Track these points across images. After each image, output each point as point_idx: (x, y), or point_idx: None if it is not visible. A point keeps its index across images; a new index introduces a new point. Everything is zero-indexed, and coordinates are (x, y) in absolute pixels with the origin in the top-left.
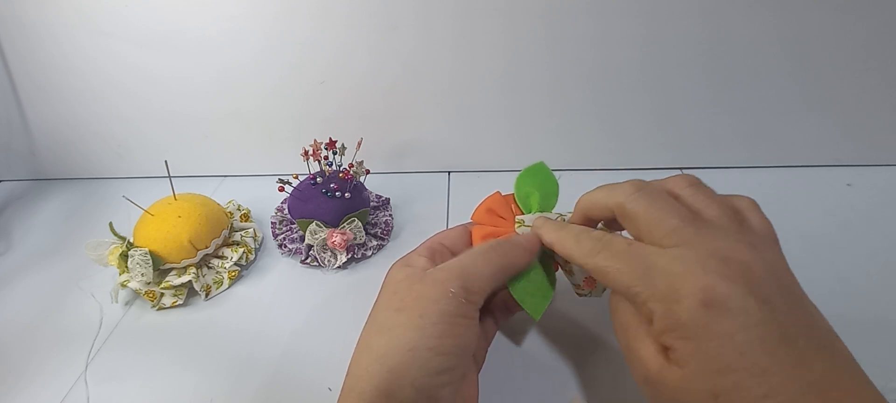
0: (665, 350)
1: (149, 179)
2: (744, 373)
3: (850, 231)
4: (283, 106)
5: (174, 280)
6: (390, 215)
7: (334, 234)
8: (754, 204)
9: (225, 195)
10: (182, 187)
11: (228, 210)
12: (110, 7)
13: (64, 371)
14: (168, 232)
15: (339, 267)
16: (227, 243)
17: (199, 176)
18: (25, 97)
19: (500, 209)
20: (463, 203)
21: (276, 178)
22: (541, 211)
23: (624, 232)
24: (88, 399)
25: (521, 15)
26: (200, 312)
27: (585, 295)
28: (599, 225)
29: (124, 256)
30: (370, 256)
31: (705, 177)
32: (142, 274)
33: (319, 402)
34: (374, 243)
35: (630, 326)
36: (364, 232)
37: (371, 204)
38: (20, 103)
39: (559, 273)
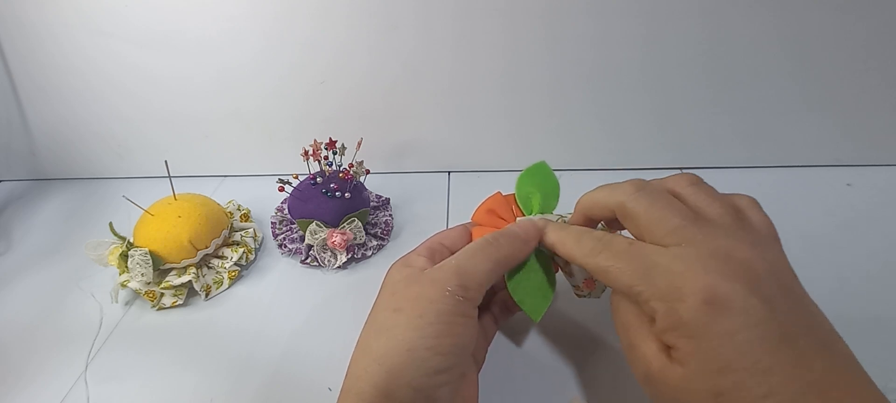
0: (667, 348)
1: (149, 179)
2: (745, 372)
3: (850, 231)
4: (283, 106)
5: (174, 280)
6: (390, 215)
7: (334, 234)
8: (755, 203)
9: (225, 195)
10: (182, 187)
11: (228, 210)
12: (110, 7)
13: (64, 371)
14: (168, 232)
15: (339, 267)
16: (227, 243)
17: (199, 176)
18: (25, 97)
19: (501, 209)
20: (463, 203)
21: (276, 178)
22: (541, 213)
23: (624, 232)
24: (88, 399)
25: (521, 15)
26: (200, 312)
27: (585, 297)
28: (600, 225)
29: (124, 256)
30: (370, 256)
31: (705, 176)
32: (142, 274)
33: (319, 402)
34: (374, 243)
35: (632, 325)
36: (364, 232)
37: (371, 204)
38: (20, 103)
39: (559, 275)
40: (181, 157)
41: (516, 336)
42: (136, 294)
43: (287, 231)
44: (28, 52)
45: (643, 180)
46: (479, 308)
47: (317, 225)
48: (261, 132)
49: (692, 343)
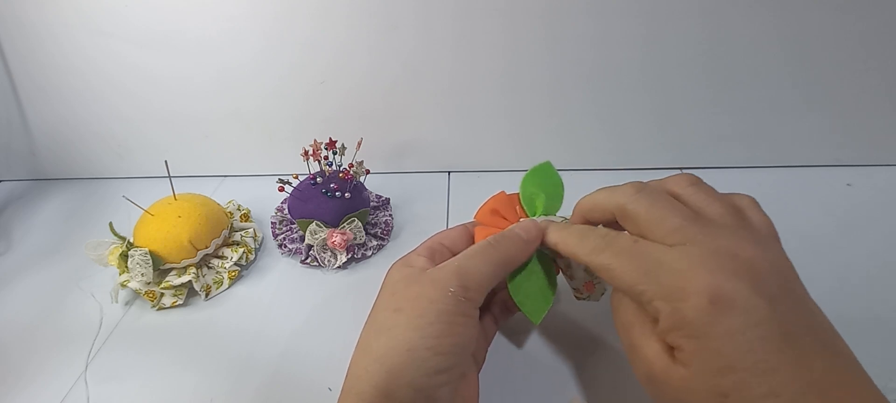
0: (670, 349)
1: (149, 179)
2: (748, 371)
3: (850, 231)
4: (283, 106)
5: (174, 280)
6: (390, 215)
7: (334, 234)
8: (755, 203)
9: (225, 195)
10: (182, 187)
11: (228, 210)
12: (110, 7)
13: (64, 371)
14: (168, 232)
15: (339, 267)
16: (227, 243)
17: (199, 176)
18: (25, 97)
19: (505, 209)
20: (463, 203)
21: (276, 178)
22: (545, 214)
23: None
24: (88, 399)
25: (521, 15)
26: (200, 312)
27: (584, 299)
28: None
29: (124, 256)
30: (370, 256)
31: (705, 177)
32: (142, 274)
33: (319, 402)
34: (374, 243)
35: (634, 325)
36: (364, 232)
37: (371, 204)
38: (20, 103)
39: (559, 277)
40: (181, 157)
41: (516, 337)
42: (136, 294)
43: (287, 231)
44: (28, 52)
45: (642, 182)
46: (479, 308)
47: (317, 225)
48: (261, 132)
49: (696, 343)
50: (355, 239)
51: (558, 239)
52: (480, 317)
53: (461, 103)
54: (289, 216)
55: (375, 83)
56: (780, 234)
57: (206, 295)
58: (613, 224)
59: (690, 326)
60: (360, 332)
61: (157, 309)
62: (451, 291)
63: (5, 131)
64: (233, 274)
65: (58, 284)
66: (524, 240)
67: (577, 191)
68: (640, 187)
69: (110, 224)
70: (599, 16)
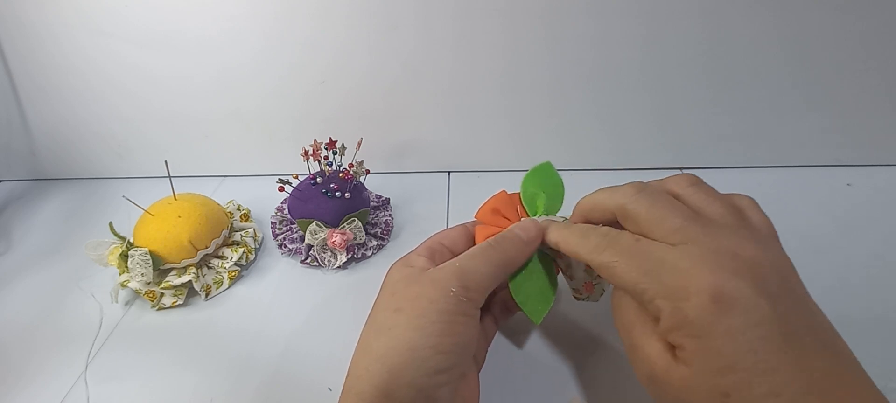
0: (671, 348)
1: (149, 179)
2: (749, 371)
3: (849, 231)
4: (283, 106)
5: (174, 280)
6: (390, 215)
7: (334, 234)
8: (754, 203)
9: (225, 195)
10: (182, 187)
11: (228, 210)
12: (110, 7)
13: (64, 371)
14: (168, 232)
15: (339, 267)
16: (227, 243)
17: (199, 176)
18: (25, 97)
19: (506, 209)
20: (463, 203)
21: (276, 178)
22: (546, 214)
23: None
24: (88, 399)
25: (521, 15)
26: (200, 312)
27: (584, 300)
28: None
29: (124, 256)
30: (370, 256)
31: (705, 177)
32: (142, 274)
33: (319, 402)
34: (374, 243)
35: (635, 324)
36: (364, 232)
37: (371, 204)
38: (20, 103)
39: (560, 277)
40: (181, 157)
41: (516, 337)
42: (136, 294)
43: (287, 231)
44: (28, 52)
45: (642, 182)
46: (479, 308)
47: (317, 225)
48: (261, 132)
49: (697, 342)
50: (355, 239)
51: (560, 238)
52: (481, 317)
53: (461, 103)
54: (289, 216)
55: (375, 83)
56: (780, 234)
57: (206, 295)
58: (614, 224)
59: (692, 325)
60: (360, 332)
61: (157, 309)
62: (452, 291)
63: (5, 131)
64: (233, 274)
65: (58, 284)
66: (524, 241)
67: (577, 190)
68: (640, 187)
69: (110, 224)
70: (599, 16)
